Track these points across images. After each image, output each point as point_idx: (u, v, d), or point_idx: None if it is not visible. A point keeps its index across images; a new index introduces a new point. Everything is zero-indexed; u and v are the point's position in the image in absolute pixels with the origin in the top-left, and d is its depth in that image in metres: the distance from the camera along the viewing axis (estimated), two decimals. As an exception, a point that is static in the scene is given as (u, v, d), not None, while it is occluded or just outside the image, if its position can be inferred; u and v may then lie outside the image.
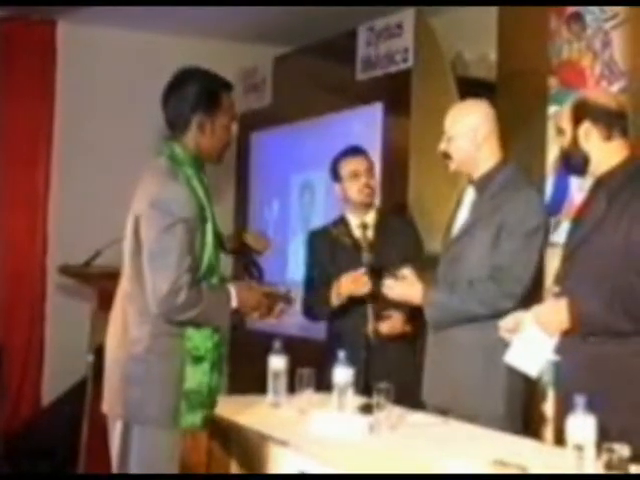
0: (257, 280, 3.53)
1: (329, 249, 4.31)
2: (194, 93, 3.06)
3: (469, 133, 3.53)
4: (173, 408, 2.96)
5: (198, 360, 3.00)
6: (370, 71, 5.78)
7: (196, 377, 2.99)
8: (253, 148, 7.21)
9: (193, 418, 2.99)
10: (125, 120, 6.76)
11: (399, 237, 4.27)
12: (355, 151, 4.35)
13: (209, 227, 3.04)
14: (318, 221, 5.95)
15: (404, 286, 3.60)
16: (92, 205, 6.55)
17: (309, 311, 4.40)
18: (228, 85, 3.15)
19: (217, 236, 3.10)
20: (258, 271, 3.60)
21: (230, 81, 3.17)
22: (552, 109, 4.41)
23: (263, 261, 3.75)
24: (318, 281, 4.33)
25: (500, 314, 3.29)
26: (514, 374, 3.31)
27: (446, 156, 3.59)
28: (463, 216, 3.59)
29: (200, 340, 3.01)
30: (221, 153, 3.15)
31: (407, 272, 3.61)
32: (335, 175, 4.32)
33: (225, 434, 3.34)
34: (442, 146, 3.59)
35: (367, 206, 4.28)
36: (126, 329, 3.03)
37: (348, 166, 4.26)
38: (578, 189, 4.20)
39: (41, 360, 6.57)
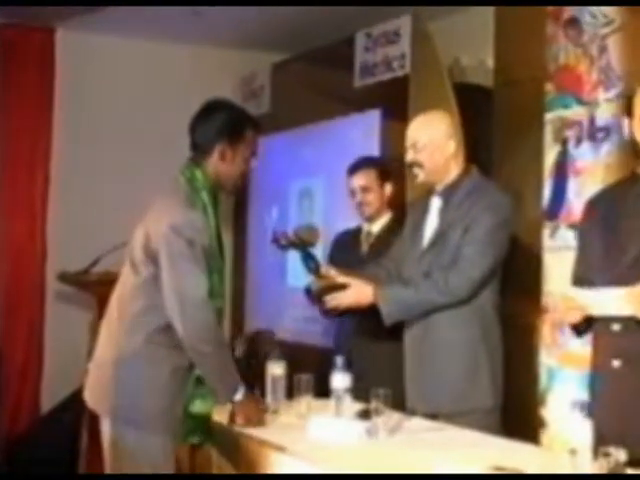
0: (314, 272, 3.67)
1: (343, 255, 4.46)
2: (222, 121, 3.24)
3: (442, 143, 3.60)
4: (160, 414, 3.10)
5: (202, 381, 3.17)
6: (368, 78, 5.80)
7: (202, 398, 3.20)
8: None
9: (198, 436, 3.23)
10: (124, 128, 6.78)
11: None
12: (354, 168, 4.51)
13: (216, 253, 3.20)
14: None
15: (352, 292, 3.63)
16: (91, 212, 6.56)
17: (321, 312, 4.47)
18: (254, 122, 3.33)
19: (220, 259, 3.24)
20: (315, 263, 3.69)
21: (257, 120, 3.36)
22: (549, 115, 4.43)
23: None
24: None
25: (461, 301, 3.43)
26: (496, 365, 3.42)
27: (414, 165, 3.64)
28: (432, 226, 3.65)
29: None
30: (237, 183, 3.31)
31: (331, 270, 3.71)
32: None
33: (222, 439, 3.35)
34: (410, 156, 3.64)
35: (367, 218, 4.46)
36: (121, 333, 3.16)
37: (348, 185, 4.49)
38: (576, 194, 4.22)
39: (40, 368, 6.57)
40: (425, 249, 3.63)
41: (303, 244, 3.65)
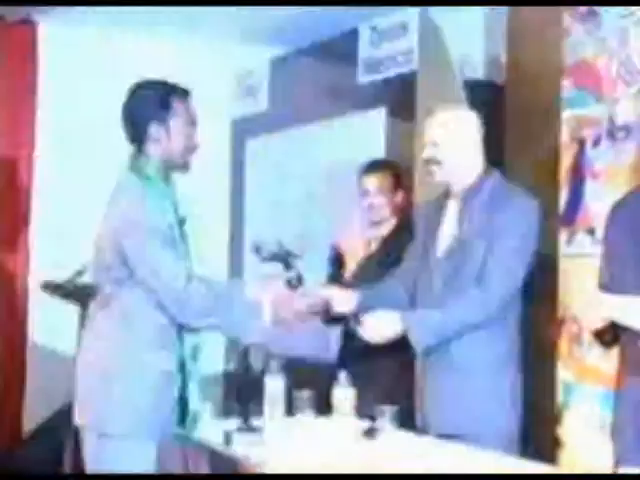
0: (296, 288, 3.59)
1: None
2: (143, 103, 3.32)
3: (466, 141, 3.58)
4: (138, 418, 3.15)
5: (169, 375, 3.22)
6: (372, 74, 5.80)
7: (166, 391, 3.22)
8: (248, 156, 7.22)
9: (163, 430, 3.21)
10: (113, 127, 6.75)
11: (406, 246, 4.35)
12: (370, 168, 4.54)
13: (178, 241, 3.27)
14: (319, 234, 5.96)
15: (375, 320, 3.52)
16: (78, 217, 6.54)
17: None
18: (180, 90, 3.34)
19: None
20: (298, 279, 3.59)
21: (183, 86, 3.36)
22: (565, 113, 4.42)
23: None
24: None
25: (492, 319, 3.40)
26: (517, 386, 3.38)
27: (432, 163, 3.60)
28: (449, 231, 3.60)
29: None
30: (183, 159, 3.34)
31: (333, 290, 3.73)
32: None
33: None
34: (429, 152, 3.60)
35: (376, 222, 4.48)
36: (95, 339, 3.26)
37: (361, 184, 4.49)
38: (594, 198, 4.21)
39: (22, 384, 6.54)
40: (442, 258, 3.58)
41: (286, 256, 3.60)
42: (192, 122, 3.34)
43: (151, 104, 3.29)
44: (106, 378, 3.18)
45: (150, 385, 3.18)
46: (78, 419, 3.27)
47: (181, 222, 3.31)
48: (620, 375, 3.04)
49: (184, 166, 3.37)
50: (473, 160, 3.60)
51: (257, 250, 3.58)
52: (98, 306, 3.30)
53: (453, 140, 3.58)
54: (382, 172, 4.49)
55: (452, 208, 3.63)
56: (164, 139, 3.28)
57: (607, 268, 3.08)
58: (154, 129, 3.28)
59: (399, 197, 4.52)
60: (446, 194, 3.68)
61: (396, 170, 4.55)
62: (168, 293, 3.15)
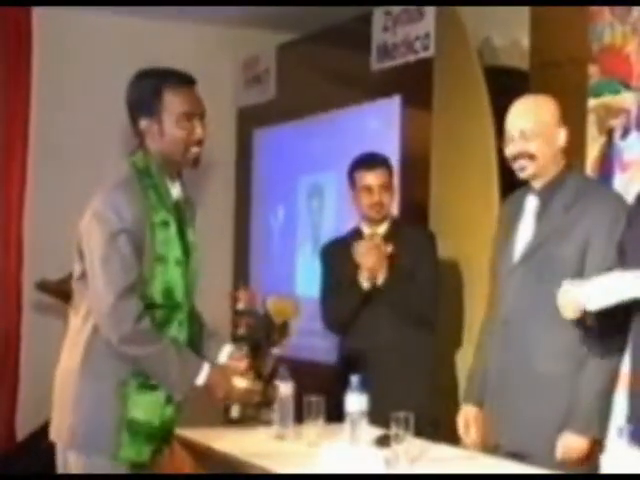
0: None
1: (344, 262, 4.45)
2: (134, 95, 3.20)
3: (554, 131, 3.47)
4: (106, 436, 3.04)
5: (150, 388, 3.09)
6: (387, 60, 5.79)
7: (146, 407, 3.08)
8: (255, 147, 7.22)
9: (137, 451, 3.08)
10: (112, 118, 6.74)
11: (410, 248, 4.44)
12: (372, 163, 4.54)
13: (173, 241, 3.13)
14: (329, 229, 5.97)
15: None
16: (71, 216, 6.53)
17: (331, 315, 4.59)
18: (175, 79, 3.19)
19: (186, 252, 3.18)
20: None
21: (184, 73, 3.22)
22: (592, 101, 4.41)
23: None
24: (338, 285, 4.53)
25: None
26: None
27: (523, 157, 3.46)
28: (528, 231, 3.50)
29: None
30: (189, 153, 3.18)
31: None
32: (350, 182, 4.57)
33: (224, 470, 3.34)
34: (520, 146, 3.46)
35: (379, 220, 4.51)
36: (68, 347, 3.16)
37: (362, 180, 4.50)
38: (623, 191, 4.19)
39: (15, 387, 6.57)
40: (519, 261, 3.48)
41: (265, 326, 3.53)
42: (193, 114, 3.17)
43: (141, 96, 3.17)
44: (67, 390, 3.11)
45: (110, 395, 3.06)
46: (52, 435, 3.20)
47: (164, 224, 3.12)
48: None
49: (188, 162, 3.20)
50: (559, 153, 3.50)
51: (234, 300, 3.52)
52: (72, 311, 3.23)
53: (543, 130, 3.45)
54: (384, 167, 4.52)
55: (530, 205, 3.53)
56: (156, 133, 3.15)
57: (620, 258, 3.08)
58: (145, 123, 3.16)
59: (395, 191, 4.58)
60: (526, 190, 3.56)
61: (390, 168, 4.57)
62: (101, 301, 3.02)
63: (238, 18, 6.89)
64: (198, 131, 3.17)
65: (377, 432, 3.41)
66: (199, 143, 3.19)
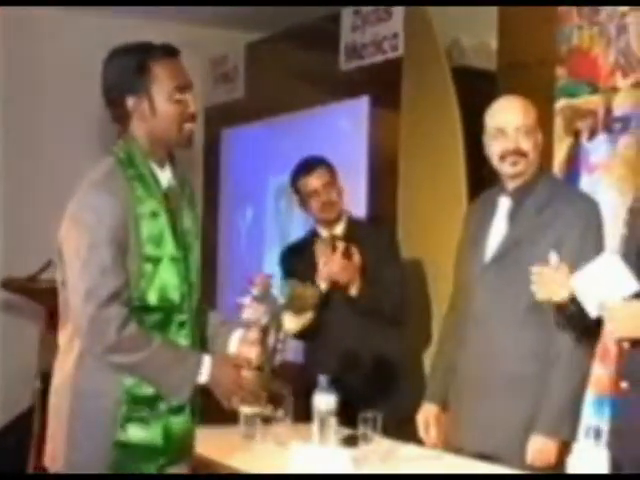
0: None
1: (305, 265, 4.38)
2: (116, 73, 2.90)
3: (539, 133, 3.48)
4: (104, 459, 2.79)
5: (147, 403, 2.83)
6: (355, 60, 5.80)
7: (144, 425, 2.83)
8: (223, 146, 7.22)
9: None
10: (78, 113, 6.73)
11: (369, 245, 4.35)
12: (310, 167, 4.50)
13: (165, 236, 2.86)
14: (297, 230, 5.96)
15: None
16: (41, 209, 6.52)
17: None
18: (160, 50, 2.94)
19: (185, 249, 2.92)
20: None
21: (161, 44, 2.95)
22: (559, 103, 4.44)
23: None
24: None
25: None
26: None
27: (516, 154, 3.43)
28: (500, 231, 3.49)
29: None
30: (179, 134, 2.92)
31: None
32: (296, 193, 4.55)
33: (192, 470, 3.34)
34: (514, 142, 3.42)
35: (333, 219, 4.45)
36: (58, 366, 2.91)
37: (306, 185, 4.46)
38: (589, 193, 4.22)
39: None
40: (491, 261, 3.47)
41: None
42: (185, 87, 2.90)
43: (124, 74, 2.87)
44: (59, 414, 2.87)
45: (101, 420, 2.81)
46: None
47: (153, 215, 2.82)
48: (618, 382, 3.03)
49: (182, 140, 2.93)
50: (538, 152, 3.50)
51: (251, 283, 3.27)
52: (60, 322, 2.95)
53: (535, 128, 3.46)
54: (323, 168, 4.47)
55: (503, 206, 3.51)
56: (147, 112, 2.87)
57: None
58: (132, 102, 2.86)
59: (343, 191, 4.51)
60: (499, 191, 3.55)
61: (330, 166, 4.53)
62: (78, 308, 2.77)
63: (207, 17, 6.88)
64: (191, 105, 2.92)
65: (346, 432, 3.43)
66: (193, 118, 2.94)
